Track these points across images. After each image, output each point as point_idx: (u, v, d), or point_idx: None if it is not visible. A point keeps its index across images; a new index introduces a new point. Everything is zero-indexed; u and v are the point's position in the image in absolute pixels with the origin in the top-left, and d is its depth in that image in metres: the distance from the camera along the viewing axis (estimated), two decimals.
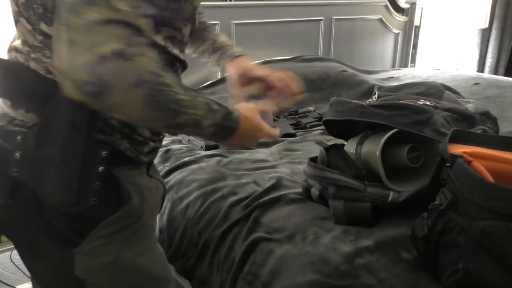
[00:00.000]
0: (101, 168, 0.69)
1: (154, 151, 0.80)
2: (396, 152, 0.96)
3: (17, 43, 0.71)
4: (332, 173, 0.95)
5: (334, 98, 1.11)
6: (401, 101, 1.01)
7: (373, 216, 0.91)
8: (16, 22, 0.71)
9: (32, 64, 0.69)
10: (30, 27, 0.68)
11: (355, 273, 0.79)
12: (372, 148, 0.96)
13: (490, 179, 0.69)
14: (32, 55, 0.68)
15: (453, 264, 0.70)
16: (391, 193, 0.92)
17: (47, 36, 0.66)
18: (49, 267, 0.77)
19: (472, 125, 1.06)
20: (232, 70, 1.02)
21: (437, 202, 0.75)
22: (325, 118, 1.09)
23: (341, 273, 0.79)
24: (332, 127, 1.16)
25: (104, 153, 0.69)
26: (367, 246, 0.84)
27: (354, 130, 1.08)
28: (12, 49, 0.72)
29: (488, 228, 0.65)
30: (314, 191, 1.01)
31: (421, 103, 1.02)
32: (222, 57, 1.05)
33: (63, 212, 0.69)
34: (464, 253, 0.68)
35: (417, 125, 0.93)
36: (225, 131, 0.73)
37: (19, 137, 0.68)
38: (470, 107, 1.16)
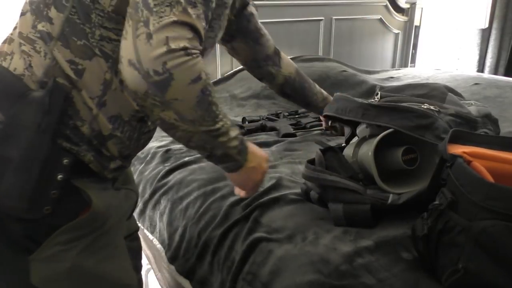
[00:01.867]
0: (60, 176, 0.67)
1: (120, 169, 0.79)
2: (391, 154, 0.96)
3: (14, 35, 0.72)
4: (331, 175, 0.95)
5: (338, 93, 1.10)
6: (405, 104, 1.01)
7: (373, 219, 0.91)
8: (23, 13, 0.72)
9: (16, 58, 0.69)
10: (33, 17, 0.69)
11: (355, 273, 0.79)
12: (366, 150, 0.96)
13: (490, 179, 0.69)
14: (23, 47, 0.69)
15: (453, 264, 0.70)
16: (391, 195, 0.92)
17: (50, 22, 0.67)
18: (7, 276, 0.74)
19: (474, 128, 1.05)
20: None
21: (437, 202, 0.75)
22: (327, 114, 1.09)
23: (341, 273, 0.79)
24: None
25: (65, 161, 0.68)
26: (367, 246, 0.85)
27: (357, 123, 1.08)
28: (6, 40, 0.73)
29: (488, 228, 0.65)
30: (314, 194, 1.01)
31: (425, 107, 1.01)
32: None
33: (17, 217, 0.68)
34: (464, 253, 0.68)
35: (420, 130, 0.93)
36: (243, 150, 0.79)
37: None
38: (473, 109, 1.16)
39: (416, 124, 0.94)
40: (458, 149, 0.76)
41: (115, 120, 0.72)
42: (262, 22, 1.18)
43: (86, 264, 0.73)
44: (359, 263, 0.81)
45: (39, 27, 0.69)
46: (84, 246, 0.73)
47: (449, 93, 1.19)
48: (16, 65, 0.69)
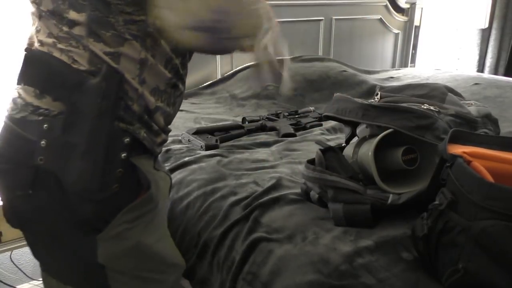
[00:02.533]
0: (123, 155, 0.71)
1: (163, 143, 0.83)
2: (391, 154, 0.96)
3: (41, 37, 0.73)
4: (331, 175, 0.95)
5: (338, 94, 1.10)
6: (405, 104, 1.01)
7: (373, 219, 0.91)
8: (39, 17, 0.73)
9: (57, 54, 0.71)
10: (54, 21, 0.71)
11: (355, 273, 0.79)
12: (366, 150, 0.96)
13: (490, 179, 0.69)
14: (59, 46, 0.71)
15: (453, 264, 0.70)
16: (391, 195, 0.92)
17: (74, 24, 0.69)
18: (70, 256, 0.78)
19: (474, 129, 1.05)
20: None
21: (437, 202, 0.75)
22: (327, 114, 1.09)
23: (341, 273, 0.79)
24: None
25: (126, 140, 0.71)
26: (367, 246, 0.85)
27: (357, 124, 1.08)
28: (32, 43, 0.74)
29: (488, 228, 0.65)
30: (314, 194, 1.02)
31: (425, 107, 1.01)
32: None
33: (87, 199, 0.71)
34: (464, 253, 0.68)
35: (420, 130, 0.94)
36: None
37: (45, 126, 0.70)
38: (472, 109, 1.16)
39: (416, 125, 0.94)
40: (458, 149, 0.76)
41: (155, 93, 0.75)
42: None
43: (147, 242, 0.78)
44: (359, 263, 0.81)
45: (64, 29, 0.70)
46: (144, 225, 0.77)
47: (449, 93, 1.20)
48: (62, 58, 0.71)
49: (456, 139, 0.80)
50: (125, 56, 0.70)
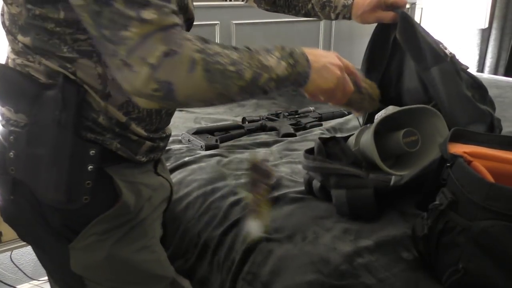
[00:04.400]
0: (90, 167, 0.70)
1: (155, 150, 0.80)
2: (391, 138, 0.96)
3: (7, 50, 0.74)
4: (332, 164, 0.95)
5: None
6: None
7: (376, 204, 0.90)
8: (5, 32, 0.73)
9: (18, 68, 0.71)
10: (11, 37, 0.71)
11: (355, 273, 0.79)
12: (367, 135, 0.96)
13: (490, 179, 0.69)
14: (17, 61, 0.70)
15: (453, 264, 0.70)
16: (393, 177, 0.91)
17: (24, 45, 0.69)
18: (51, 261, 0.79)
19: (483, 98, 1.04)
20: (358, 18, 1.08)
21: (437, 202, 0.75)
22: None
23: (341, 273, 0.79)
24: None
25: (92, 152, 0.70)
26: (367, 246, 0.85)
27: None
28: (7, 57, 0.75)
29: (488, 228, 0.65)
30: (316, 183, 1.01)
31: (442, 47, 1.00)
32: (335, 12, 1.10)
33: (57, 208, 0.71)
34: (464, 253, 0.68)
35: (425, 62, 0.94)
36: (298, 60, 0.73)
37: (12, 137, 0.70)
38: None
39: (427, 56, 0.95)
40: (459, 149, 0.76)
41: (127, 106, 0.72)
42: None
43: (121, 254, 0.77)
44: (359, 263, 0.81)
45: (20, 45, 0.70)
46: (120, 236, 0.76)
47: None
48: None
49: (457, 138, 0.80)
50: (81, 71, 0.68)
